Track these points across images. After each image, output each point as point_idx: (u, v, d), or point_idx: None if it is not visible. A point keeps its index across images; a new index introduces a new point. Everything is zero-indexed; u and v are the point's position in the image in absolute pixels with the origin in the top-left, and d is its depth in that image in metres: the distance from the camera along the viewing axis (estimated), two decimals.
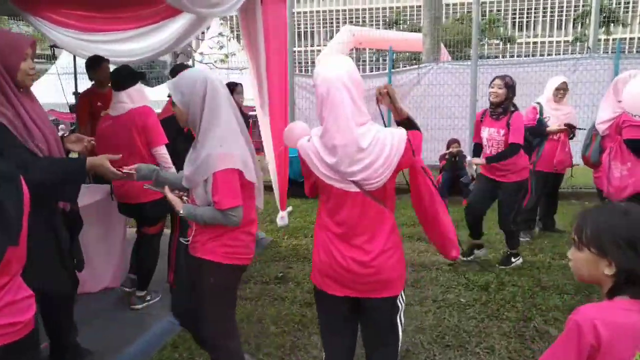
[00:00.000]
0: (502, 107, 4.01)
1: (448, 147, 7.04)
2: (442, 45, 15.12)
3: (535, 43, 42.26)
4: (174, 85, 2.12)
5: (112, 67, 4.76)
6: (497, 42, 34.41)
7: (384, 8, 43.74)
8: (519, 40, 41.37)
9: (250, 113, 7.24)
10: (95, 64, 4.57)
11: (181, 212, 2.11)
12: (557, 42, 39.99)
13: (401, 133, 1.88)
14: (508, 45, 37.11)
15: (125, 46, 5.65)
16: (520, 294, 3.72)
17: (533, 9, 43.71)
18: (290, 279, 4.15)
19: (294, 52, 9.13)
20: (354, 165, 1.81)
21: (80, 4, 5.11)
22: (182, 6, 3.50)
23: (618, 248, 1.17)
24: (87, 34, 5.44)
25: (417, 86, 7.83)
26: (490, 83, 4.08)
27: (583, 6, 32.66)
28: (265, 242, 5.11)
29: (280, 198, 5.22)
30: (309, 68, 23.99)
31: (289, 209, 5.54)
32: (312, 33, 48.29)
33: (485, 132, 4.14)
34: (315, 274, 2.01)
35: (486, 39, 34.82)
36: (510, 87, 3.97)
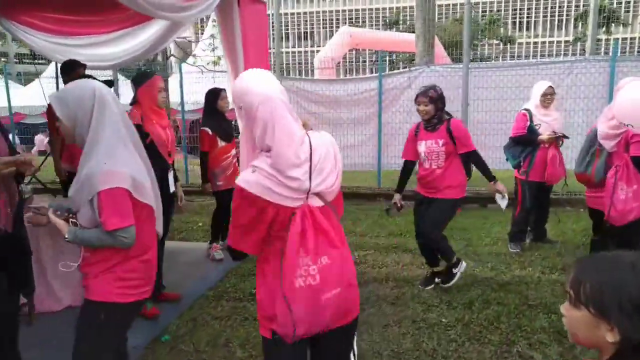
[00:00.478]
0: (436, 118, 3.72)
1: None
2: (441, 47, 15.05)
3: (535, 43, 42.07)
4: (58, 99, 1.93)
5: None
6: (497, 42, 34.26)
7: (384, 8, 43.52)
8: (519, 41, 41.18)
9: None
10: (69, 69, 4.40)
11: (66, 236, 1.91)
12: (557, 42, 39.77)
13: (330, 136, 1.79)
14: (508, 46, 36.98)
15: (102, 50, 5.49)
16: (505, 313, 3.52)
17: (533, 8, 43.48)
18: None
19: (282, 53, 8.96)
20: (317, 178, 1.67)
21: (55, 8, 4.95)
22: (148, 11, 3.33)
23: (624, 312, 0.95)
24: (63, 38, 5.28)
25: (407, 90, 7.63)
26: (415, 101, 3.80)
27: (583, 6, 32.47)
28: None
29: None
30: (309, 70, 23.85)
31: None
32: (311, 34, 48.13)
33: (422, 146, 3.81)
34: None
35: (486, 39, 34.66)
36: (436, 99, 3.68)
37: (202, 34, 15.91)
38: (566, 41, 37.52)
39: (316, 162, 1.67)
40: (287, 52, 44.71)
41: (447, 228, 5.59)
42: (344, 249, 1.75)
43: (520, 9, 43.62)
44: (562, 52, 36.03)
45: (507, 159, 4.85)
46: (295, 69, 39.24)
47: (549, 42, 41.04)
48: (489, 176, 3.78)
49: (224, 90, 4.72)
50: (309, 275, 1.63)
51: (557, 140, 4.46)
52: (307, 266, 1.63)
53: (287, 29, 48.01)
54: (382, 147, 7.76)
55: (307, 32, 48.26)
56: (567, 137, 4.56)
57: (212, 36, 12.32)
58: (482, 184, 7.85)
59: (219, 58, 12.03)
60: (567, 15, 41.78)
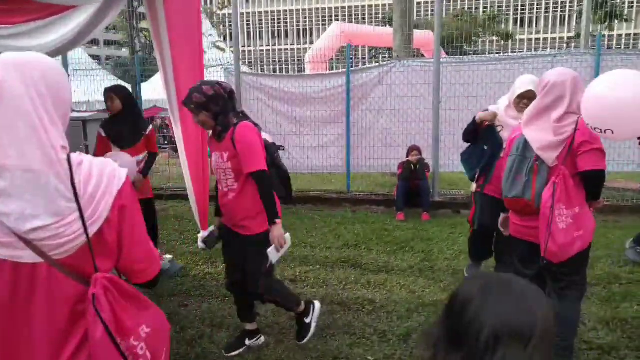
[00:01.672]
0: (220, 125, 2.67)
1: (408, 155, 6.30)
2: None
3: (537, 39, 41.33)
4: None
5: None
6: (497, 39, 33.64)
7: (380, 5, 42.85)
8: (520, 37, 40.48)
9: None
10: None
11: None
12: (560, 38, 38.98)
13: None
14: (510, 42, 36.30)
15: (31, 41, 4.99)
16: None
17: (535, 4, 42.70)
18: (176, 322, 3.43)
19: (261, 50, 8.41)
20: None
21: None
22: None
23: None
24: None
25: (378, 87, 7.08)
26: None
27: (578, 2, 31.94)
28: (174, 269, 4.40)
29: (199, 215, 4.49)
30: (302, 67, 23.25)
31: (211, 228, 4.82)
32: (311, 30, 47.55)
33: (212, 160, 2.86)
34: None
35: (487, 34, 34.06)
36: (205, 103, 2.62)
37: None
38: (569, 37, 36.76)
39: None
40: (281, 50, 44.25)
41: (408, 238, 5.13)
42: None
43: (522, 5, 42.82)
44: (565, 49, 35.28)
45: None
46: (278, 67, 38.72)
47: (551, 39, 40.25)
48: (270, 215, 2.64)
49: (108, 89, 4.14)
50: None
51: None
52: None
53: (275, 26, 47.62)
54: (352, 148, 7.22)
55: (305, 30, 47.75)
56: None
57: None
58: (460, 186, 7.34)
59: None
60: (570, 10, 40.99)
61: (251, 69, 15.96)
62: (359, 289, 3.92)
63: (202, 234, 3.94)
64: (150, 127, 4.28)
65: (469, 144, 3.78)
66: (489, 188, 3.62)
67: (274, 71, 17.06)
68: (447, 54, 11.48)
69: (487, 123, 3.56)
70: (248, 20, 47.26)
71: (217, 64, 8.24)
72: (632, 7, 38.51)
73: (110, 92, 4.03)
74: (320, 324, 3.32)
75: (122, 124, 4.01)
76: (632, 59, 6.43)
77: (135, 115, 4.16)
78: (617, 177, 7.33)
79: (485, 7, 39.64)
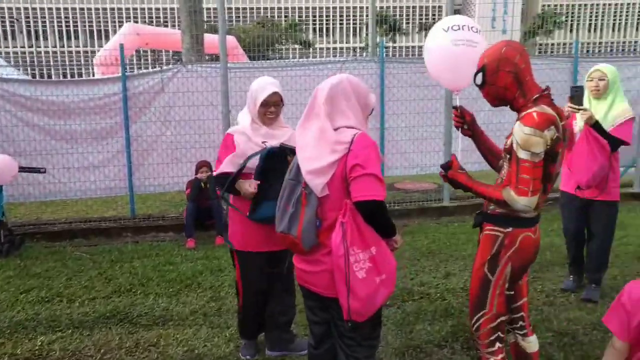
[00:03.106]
0: None
1: (197, 172, 5.55)
2: (240, 49, 13.96)
3: (335, 48, 44.55)
4: None
5: None
6: (300, 47, 35.18)
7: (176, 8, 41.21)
8: (320, 45, 43.15)
9: None
10: None
11: None
12: (353, 48, 42.54)
13: None
14: (311, 50, 38.35)
15: None
16: None
17: (331, 15, 45.97)
18: None
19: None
20: None
21: None
22: None
23: None
24: None
25: (161, 94, 6.18)
26: None
27: (367, 16, 35.70)
28: None
29: None
30: (82, 71, 20.63)
31: None
32: (106, 32, 43.27)
33: None
34: None
35: (289, 42, 35.31)
36: None
37: None
38: (361, 47, 40.40)
39: None
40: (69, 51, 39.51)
41: (196, 272, 4.31)
42: None
43: (319, 16, 45.68)
44: (351, 56, 38.75)
45: None
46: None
47: (347, 48, 43.72)
48: None
49: None
50: None
51: None
52: None
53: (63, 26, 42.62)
54: (134, 165, 6.17)
55: (97, 30, 43.37)
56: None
57: None
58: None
59: None
60: (360, 23, 45.10)
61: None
62: (122, 356, 3.04)
63: None
64: None
65: None
66: None
67: (43, 76, 14.30)
68: (251, 59, 11.09)
69: None
70: (27, 17, 40.97)
71: None
72: (408, 23, 44.14)
73: None
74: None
75: None
76: (410, 66, 6.74)
77: None
78: (402, 180, 7.72)
79: (286, 16, 41.26)
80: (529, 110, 1.97)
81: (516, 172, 1.94)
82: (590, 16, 47.22)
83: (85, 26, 44.48)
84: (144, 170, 6.24)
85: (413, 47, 38.30)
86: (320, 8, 45.54)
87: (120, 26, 42.07)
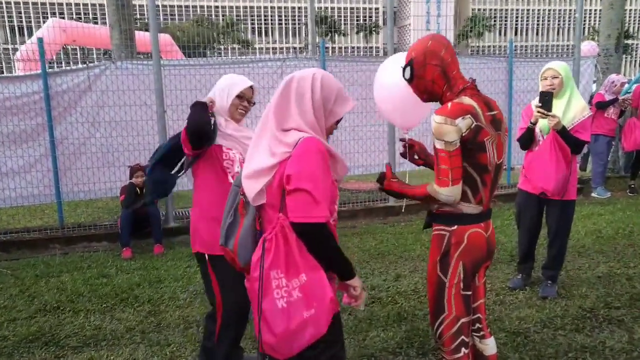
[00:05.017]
0: None
1: (132, 176, 5.18)
2: (176, 46, 13.40)
3: (274, 48, 44.25)
4: None
5: None
6: (239, 46, 34.73)
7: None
8: (259, 45, 42.72)
9: None
10: None
11: None
12: (293, 48, 42.43)
13: None
14: (250, 49, 37.92)
15: None
16: None
17: (269, 15, 45.62)
18: None
19: None
20: None
21: None
22: None
23: None
24: None
25: (88, 93, 5.72)
26: None
27: (305, 16, 35.95)
28: None
29: None
30: (4, 68, 19.18)
31: None
32: (29, 28, 40.53)
33: None
34: None
35: (227, 41, 34.78)
36: None
37: None
38: (300, 47, 40.34)
39: None
40: None
41: (133, 284, 3.99)
42: None
43: (257, 15, 45.21)
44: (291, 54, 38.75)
45: None
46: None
47: (286, 48, 43.52)
48: None
49: None
50: None
51: None
52: None
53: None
54: (60, 170, 5.67)
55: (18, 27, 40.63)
56: None
57: None
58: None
59: None
60: (299, 23, 45.08)
61: None
62: None
63: None
64: None
65: None
66: None
67: None
68: (187, 57, 10.65)
69: None
70: None
71: None
72: (346, 24, 44.63)
73: None
74: None
75: None
76: (352, 65, 6.70)
77: None
78: (347, 180, 7.65)
79: (224, 15, 40.47)
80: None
81: (437, 164, 1.91)
82: (517, 21, 50.01)
83: (4, 21, 41.49)
84: (72, 176, 5.75)
85: (352, 47, 38.78)
86: (259, 7, 45.07)
87: (45, 22, 39.65)
